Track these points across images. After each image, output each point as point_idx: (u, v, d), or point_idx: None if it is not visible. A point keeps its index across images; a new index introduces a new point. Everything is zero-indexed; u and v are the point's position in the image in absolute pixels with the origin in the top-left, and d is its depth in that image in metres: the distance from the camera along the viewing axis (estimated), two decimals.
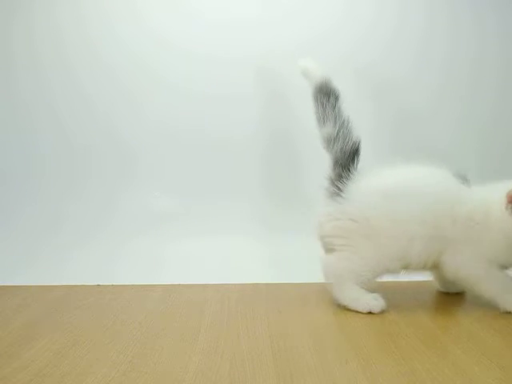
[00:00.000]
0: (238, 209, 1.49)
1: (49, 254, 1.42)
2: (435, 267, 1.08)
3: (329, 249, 1.11)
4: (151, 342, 0.93)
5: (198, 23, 1.47)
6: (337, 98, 1.09)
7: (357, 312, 1.05)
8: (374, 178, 1.07)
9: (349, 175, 1.07)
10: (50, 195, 1.50)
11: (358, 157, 1.09)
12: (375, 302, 1.05)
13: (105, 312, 1.09)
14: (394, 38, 1.48)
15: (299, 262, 1.37)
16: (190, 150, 1.50)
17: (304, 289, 1.22)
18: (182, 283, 1.27)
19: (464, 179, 1.07)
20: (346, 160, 1.07)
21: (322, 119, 1.08)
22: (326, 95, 1.08)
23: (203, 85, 1.48)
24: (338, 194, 1.07)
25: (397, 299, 1.13)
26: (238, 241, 1.44)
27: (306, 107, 1.38)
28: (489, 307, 1.05)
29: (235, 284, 1.26)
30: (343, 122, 1.07)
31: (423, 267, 1.07)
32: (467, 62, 1.49)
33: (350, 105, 1.47)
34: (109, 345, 0.92)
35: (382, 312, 1.05)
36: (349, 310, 1.07)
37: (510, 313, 1.03)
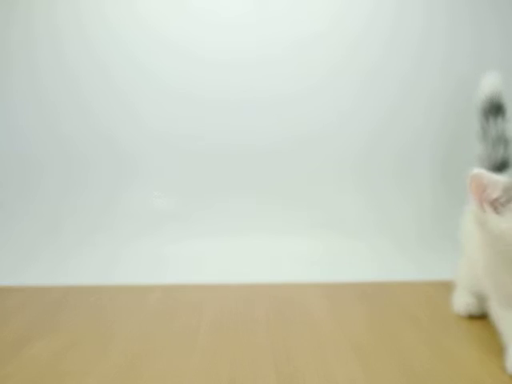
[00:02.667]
0: (237, 209, 1.49)
1: (49, 254, 1.42)
2: None
3: None
4: (151, 342, 0.93)
5: (199, 26, 1.47)
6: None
7: (356, 312, 1.05)
8: None
9: None
10: (49, 196, 1.50)
11: None
12: None
13: (104, 312, 1.09)
14: (392, 37, 1.48)
15: (299, 262, 1.38)
16: (189, 153, 1.50)
17: (305, 289, 1.21)
18: (181, 283, 1.27)
19: None
20: None
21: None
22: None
23: (203, 88, 1.48)
24: None
25: (397, 299, 1.13)
26: (238, 241, 1.44)
27: (307, 108, 1.39)
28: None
29: (235, 284, 1.25)
30: None
31: None
32: (467, 62, 1.49)
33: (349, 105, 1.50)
34: (109, 345, 0.92)
35: (380, 311, 1.05)
36: (349, 309, 1.07)
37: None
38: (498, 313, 0.83)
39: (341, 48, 1.48)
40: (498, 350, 0.86)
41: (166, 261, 1.40)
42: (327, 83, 1.48)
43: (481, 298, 0.95)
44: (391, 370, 0.80)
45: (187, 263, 1.39)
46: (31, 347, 0.91)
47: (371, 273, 1.31)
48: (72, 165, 1.51)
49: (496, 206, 0.77)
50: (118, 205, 1.50)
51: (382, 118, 1.49)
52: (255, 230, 1.47)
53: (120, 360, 0.85)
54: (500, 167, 0.98)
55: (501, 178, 0.77)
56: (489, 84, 1.01)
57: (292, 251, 1.42)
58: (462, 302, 1.02)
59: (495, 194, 0.77)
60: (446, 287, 1.13)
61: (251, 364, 0.83)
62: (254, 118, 1.49)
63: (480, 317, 1.00)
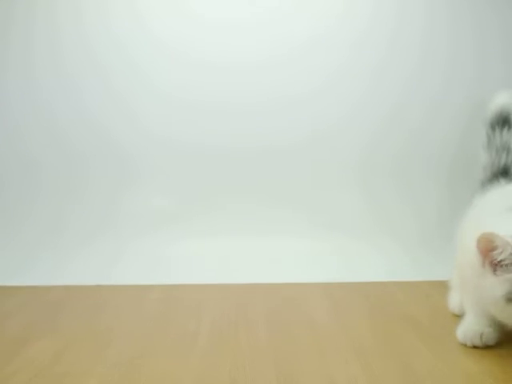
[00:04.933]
0: (237, 210, 1.49)
1: (49, 255, 1.42)
2: None
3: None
4: (151, 342, 0.93)
5: (200, 29, 1.47)
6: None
7: (356, 312, 1.05)
8: None
9: None
10: (51, 198, 1.50)
11: None
12: None
13: (104, 312, 1.09)
14: (394, 39, 1.48)
15: (299, 262, 1.38)
16: (190, 155, 1.50)
17: (304, 289, 1.21)
18: (181, 283, 1.27)
19: None
20: None
21: None
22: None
23: (205, 91, 1.48)
24: None
25: (397, 299, 1.13)
26: (238, 241, 1.44)
27: (307, 112, 1.39)
28: None
29: (235, 284, 1.25)
30: None
31: None
32: (468, 62, 1.49)
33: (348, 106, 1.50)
34: (108, 345, 0.92)
35: (380, 311, 1.05)
36: (349, 310, 1.07)
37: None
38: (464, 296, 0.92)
39: (342, 50, 1.47)
40: (498, 349, 0.86)
41: (165, 261, 1.40)
42: (330, 86, 1.48)
43: None
44: (391, 370, 0.80)
45: (187, 263, 1.39)
46: (31, 347, 0.91)
47: (371, 273, 1.31)
48: (73, 167, 1.51)
49: (497, 268, 0.77)
50: (118, 206, 1.50)
51: (384, 119, 1.49)
52: (255, 230, 1.47)
53: (120, 360, 0.85)
54: (502, 173, 1.03)
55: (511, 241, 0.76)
56: (501, 99, 1.10)
57: (292, 251, 1.42)
58: (456, 302, 1.04)
59: (501, 257, 0.77)
60: (446, 287, 1.13)
61: (251, 364, 0.83)
62: (255, 121, 1.49)
63: None
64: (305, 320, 1.02)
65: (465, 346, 0.87)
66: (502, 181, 1.02)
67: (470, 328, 0.88)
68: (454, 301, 1.05)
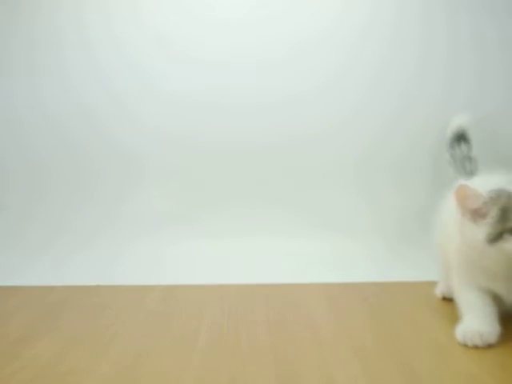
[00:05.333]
0: (238, 210, 1.50)
1: (51, 255, 1.42)
2: None
3: None
4: (151, 342, 0.93)
5: (203, 28, 1.47)
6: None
7: (356, 312, 1.05)
8: None
9: None
10: (52, 198, 1.51)
11: None
12: None
13: (105, 312, 1.09)
14: (391, 40, 1.48)
15: (299, 262, 1.38)
16: (192, 155, 1.51)
17: (304, 289, 1.22)
18: (181, 283, 1.27)
19: None
20: None
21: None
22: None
23: (207, 92, 1.48)
24: None
25: (397, 299, 1.13)
26: (238, 242, 1.44)
27: (308, 112, 1.39)
28: None
29: (235, 284, 1.26)
30: None
31: None
32: (468, 62, 1.49)
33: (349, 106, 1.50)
34: (109, 345, 0.92)
35: (380, 312, 1.05)
36: (349, 310, 1.07)
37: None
38: (459, 291, 0.95)
39: (343, 50, 1.48)
40: (498, 349, 0.86)
41: (166, 261, 1.41)
42: (330, 85, 1.48)
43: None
44: (391, 370, 0.81)
45: (188, 263, 1.39)
46: (32, 347, 0.91)
47: (371, 273, 1.31)
48: (74, 167, 1.51)
49: (475, 216, 0.87)
50: (119, 207, 1.51)
51: (385, 119, 1.49)
52: (255, 230, 1.47)
53: (120, 360, 0.86)
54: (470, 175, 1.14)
55: (483, 193, 0.87)
56: (456, 121, 1.24)
57: (292, 251, 1.42)
58: (441, 287, 1.14)
59: (475, 206, 0.86)
60: None
61: (251, 364, 0.83)
62: (254, 121, 1.49)
63: None
64: (305, 320, 1.02)
65: (465, 346, 0.87)
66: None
67: (470, 328, 0.89)
68: (439, 286, 1.15)
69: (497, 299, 0.91)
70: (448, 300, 1.10)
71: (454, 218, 0.92)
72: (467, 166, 1.17)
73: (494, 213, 0.85)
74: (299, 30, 1.47)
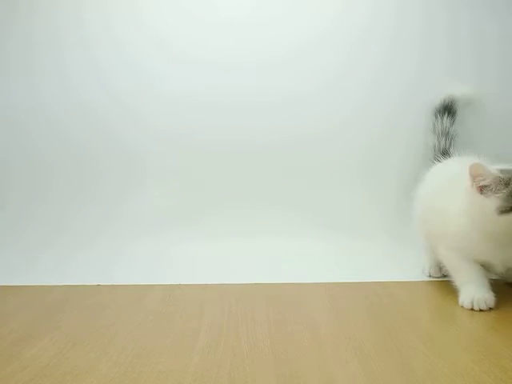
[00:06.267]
0: (238, 211, 1.50)
1: (51, 255, 1.42)
2: None
3: None
4: (151, 342, 0.93)
5: (204, 29, 1.48)
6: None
7: (356, 312, 1.05)
8: None
9: None
10: (53, 198, 1.51)
11: None
12: None
13: (105, 312, 1.09)
14: (392, 40, 1.48)
15: (299, 262, 1.38)
16: (195, 155, 1.51)
17: (304, 289, 1.21)
18: (181, 283, 1.27)
19: None
20: None
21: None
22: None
23: (209, 92, 1.49)
24: None
25: (397, 299, 1.13)
26: (238, 241, 1.44)
27: (310, 112, 1.38)
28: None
29: (235, 284, 1.25)
30: None
31: None
32: (468, 61, 1.48)
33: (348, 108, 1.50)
34: (109, 345, 0.92)
35: (380, 311, 1.05)
36: (349, 309, 1.07)
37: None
38: (453, 264, 1.09)
39: (343, 49, 1.48)
40: (498, 349, 0.86)
41: (166, 261, 1.41)
42: (330, 85, 1.48)
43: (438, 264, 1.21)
44: (391, 370, 0.81)
45: (188, 263, 1.39)
46: (32, 347, 0.91)
47: (371, 273, 1.31)
48: (75, 167, 1.52)
49: (484, 191, 0.99)
50: (119, 207, 1.51)
51: (386, 119, 1.49)
52: (256, 230, 1.47)
53: (120, 360, 0.86)
54: (443, 154, 1.26)
55: (494, 171, 0.98)
56: (448, 92, 1.31)
57: (292, 251, 1.42)
58: (426, 268, 1.26)
59: (485, 182, 0.99)
60: (447, 287, 1.13)
61: (251, 364, 0.83)
62: (255, 120, 1.49)
63: (480, 317, 1.01)
64: (305, 320, 1.02)
65: (472, 310, 1.02)
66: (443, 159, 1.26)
67: (475, 294, 1.03)
68: (426, 267, 1.25)
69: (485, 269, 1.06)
70: (436, 280, 1.20)
71: (445, 193, 1.07)
72: (441, 142, 1.22)
73: (505, 189, 0.97)
74: (299, 30, 1.48)
